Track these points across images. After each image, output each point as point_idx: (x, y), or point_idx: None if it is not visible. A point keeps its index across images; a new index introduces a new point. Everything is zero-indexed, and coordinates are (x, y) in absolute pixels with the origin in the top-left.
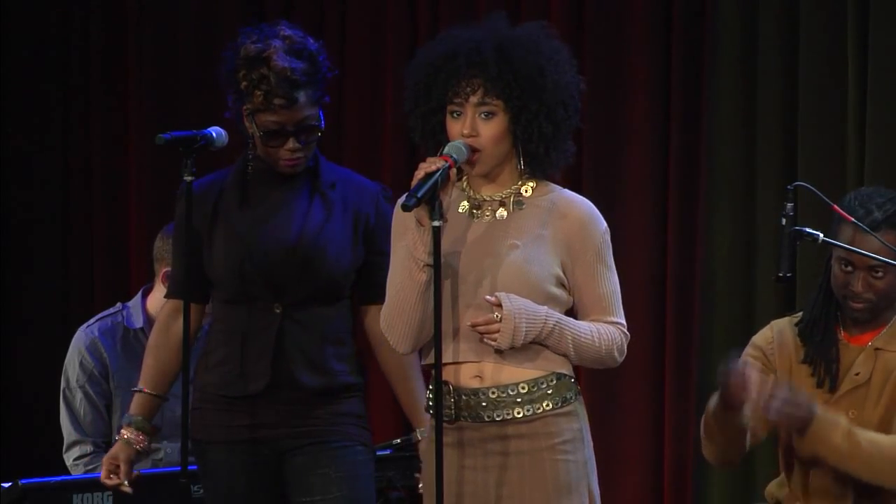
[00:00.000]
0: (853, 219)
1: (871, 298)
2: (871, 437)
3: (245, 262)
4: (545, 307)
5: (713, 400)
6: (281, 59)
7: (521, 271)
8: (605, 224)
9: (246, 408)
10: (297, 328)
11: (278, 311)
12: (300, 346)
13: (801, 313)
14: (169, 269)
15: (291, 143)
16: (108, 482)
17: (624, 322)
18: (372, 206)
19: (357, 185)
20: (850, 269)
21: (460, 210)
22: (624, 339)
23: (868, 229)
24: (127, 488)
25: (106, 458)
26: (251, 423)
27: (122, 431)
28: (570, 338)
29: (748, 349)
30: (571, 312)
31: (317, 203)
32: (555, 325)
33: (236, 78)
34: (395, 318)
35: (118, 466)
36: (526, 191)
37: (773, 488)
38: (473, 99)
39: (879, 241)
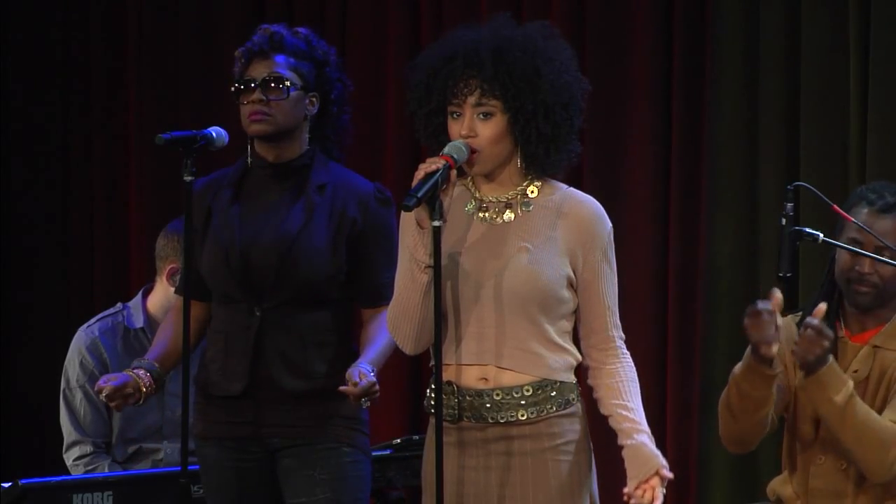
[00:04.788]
0: (853, 219)
1: (876, 283)
2: (867, 411)
3: (224, 264)
4: (651, 449)
5: (739, 366)
6: (272, 26)
7: (531, 276)
8: (610, 224)
9: (230, 407)
10: (277, 331)
11: (258, 313)
12: (280, 348)
13: (801, 313)
14: (173, 266)
15: (256, 94)
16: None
17: (622, 333)
18: (360, 209)
19: (348, 188)
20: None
21: (466, 211)
22: (629, 363)
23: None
24: (104, 396)
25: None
26: (235, 421)
27: (137, 370)
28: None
29: None
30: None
31: (300, 206)
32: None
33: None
34: (400, 318)
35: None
36: (532, 192)
37: (774, 486)
38: (471, 99)
39: (891, 225)
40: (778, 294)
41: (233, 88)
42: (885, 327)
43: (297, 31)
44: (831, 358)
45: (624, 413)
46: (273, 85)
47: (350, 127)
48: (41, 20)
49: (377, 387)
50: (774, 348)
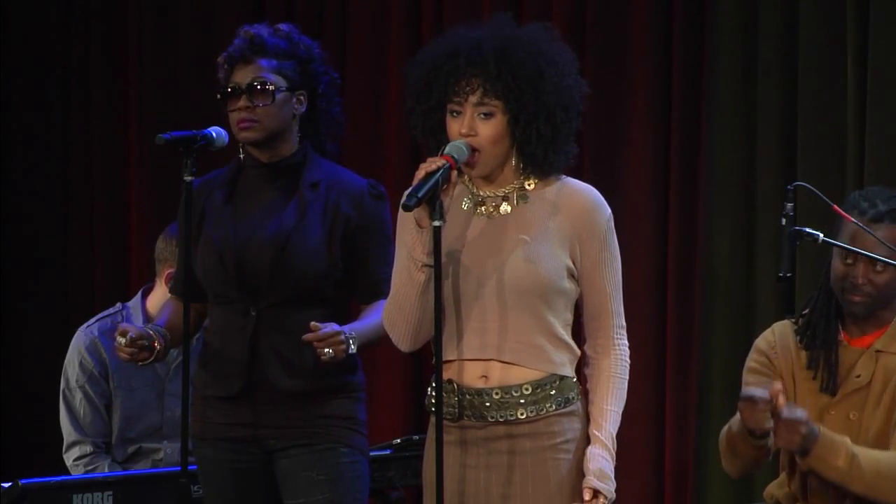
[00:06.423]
0: (853, 219)
1: (870, 292)
2: (871, 457)
3: (219, 264)
4: (591, 464)
5: (736, 423)
6: (252, 28)
7: (530, 269)
8: (609, 211)
9: (227, 407)
10: (273, 331)
11: (254, 313)
12: (276, 348)
13: (797, 318)
14: (171, 270)
15: (243, 101)
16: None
17: (623, 323)
18: (354, 206)
19: (341, 185)
20: (850, 261)
21: (463, 207)
22: (624, 361)
23: (868, 229)
24: (125, 354)
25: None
26: (232, 422)
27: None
28: (612, 434)
29: (752, 354)
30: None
31: (293, 205)
32: (612, 451)
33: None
34: (397, 316)
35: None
36: (529, 185)
37: (772, 489)
38: (472, 98)
39: (880, 238)
40: (778, 386)
41: (219, 96)
42: (887, 331)
43: (279, 29)
44: (818, 428)
45: (598, 419)
46: (259, 89)
47: (342, 118)
48: (41, 21)
49: (343, 336)
50: (767, 430)
